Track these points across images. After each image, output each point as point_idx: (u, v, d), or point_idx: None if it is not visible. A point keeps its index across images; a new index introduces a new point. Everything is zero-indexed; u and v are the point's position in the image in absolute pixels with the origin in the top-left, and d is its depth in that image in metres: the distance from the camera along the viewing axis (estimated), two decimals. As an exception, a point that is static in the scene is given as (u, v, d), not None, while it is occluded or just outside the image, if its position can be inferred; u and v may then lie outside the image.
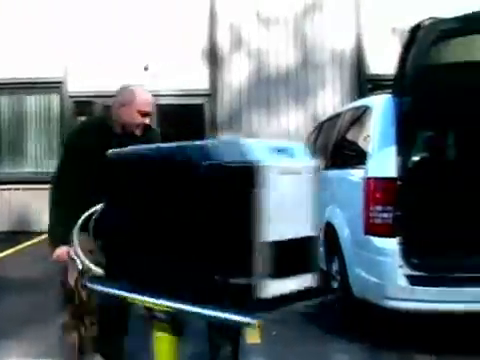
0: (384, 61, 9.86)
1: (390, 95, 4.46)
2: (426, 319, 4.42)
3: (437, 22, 3.68)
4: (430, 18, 3.72)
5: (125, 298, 2.41)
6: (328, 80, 10.08)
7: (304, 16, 10.15)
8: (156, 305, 2.26)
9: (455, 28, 3.66)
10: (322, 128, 6.74)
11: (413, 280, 4.02)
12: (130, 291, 2.36)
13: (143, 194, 2.32)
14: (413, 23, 4.14)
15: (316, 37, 10.13)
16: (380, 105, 4.56)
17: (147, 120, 3.28)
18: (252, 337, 3.45)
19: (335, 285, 4.98)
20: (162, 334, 2.37)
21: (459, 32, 4.08)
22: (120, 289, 2.40)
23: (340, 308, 4.86)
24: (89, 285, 2.63)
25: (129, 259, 2.38)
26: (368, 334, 4.52)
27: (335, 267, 4.99)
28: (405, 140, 4.22)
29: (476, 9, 3.95)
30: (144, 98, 3.25)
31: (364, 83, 9.97)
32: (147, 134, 3.31)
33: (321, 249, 5.46)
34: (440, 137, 6.19)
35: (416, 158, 5.45)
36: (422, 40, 3.82)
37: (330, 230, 5.03)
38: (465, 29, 3.94)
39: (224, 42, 10.33)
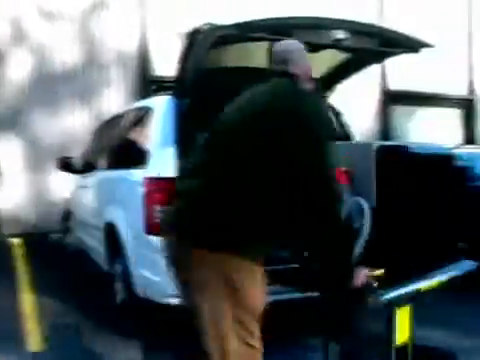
0: (169, 63, 10.04)
1: (171, 97, 4.54)
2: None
3: (214, 28, 3.82)
4: (207, 23, 3.85)
5: None
6: (113, 80, 9.97)
7: (90, 14, 9.92)
8: None
9: (232, 35, 3.83)
10: (104, 128, 6.66)
11: None
12: None
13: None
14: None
15: (102, 36, 9.96)
16: (161, 106, 4.61)
17: None
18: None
19: (119, 286, 4.94)
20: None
21: (236, 38, 4.28)
22: None
23: (123, 307, 4.85)
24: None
25: None
26: (152, 332, 4.58)
27: (118, 268, 4.95)
28: (184, 141, 4.31)
29: (255, 16, 4.17)
30: None
31: (149, 84, 10.04)
32: None
33: (103, 250, 5.41)
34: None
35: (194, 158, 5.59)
36: (200, 44, 3.94)
37: (111, 230, 4.98)
38: (241, 36, 4.14)
39: (4, 37, 9.69)
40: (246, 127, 2.38)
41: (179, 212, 2.47)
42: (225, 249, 2.28)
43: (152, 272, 4.26)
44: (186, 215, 2.41)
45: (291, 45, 2.67)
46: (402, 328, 2.54)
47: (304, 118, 2.27)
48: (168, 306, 4.18)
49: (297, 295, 4.08)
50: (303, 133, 2.24)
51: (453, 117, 12.69)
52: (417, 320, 3.05)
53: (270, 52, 2.70)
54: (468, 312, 5.30)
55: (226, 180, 2.32)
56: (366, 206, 4.67)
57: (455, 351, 3.16)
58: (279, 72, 2.56)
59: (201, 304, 2.35)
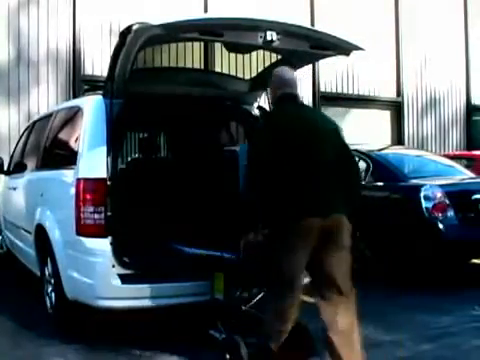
0: (100, 62, 9.91)
1: (101, 96, 4.48)
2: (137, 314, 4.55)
3: (145, 27, 3.80)
4: (139, 23, 3.82)
5: None
6: (43, 78, 9.73)
7: (19, 10, 9.65)
8: None
9: (162, 34, 3.81)
10: (34, 127, 6.50)
11: (125, 279, 4.10)
12: None
13: None
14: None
15: (31, 33, 9.71)
16: (91, 106, 4.54)
17: None
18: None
19: (49, 288, 4.85)
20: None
21: (167, 38, 4.27)
22: None
23: (54, 311, 4.78)
24: None
25: None
26: (84, 335, 4.54)
27: (48, 270, 4.85)
28: (115, 141, 4.27)
29: (187, 15, 4.17)
30: None
31: (79, 83, 9.85)
32: None
33: (33, 253, 5.28)
34: (150, 138, 6.44)
35: (127, 157, 5.58)
36: (131, 44, 3.91)
37: (41, 232, 4.87)
38: (172, 36, 4.13)
39: None
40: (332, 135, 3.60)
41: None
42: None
43: (84, 274, 4.19)
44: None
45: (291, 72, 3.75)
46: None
47: None
48: (100, 308, 4.15)
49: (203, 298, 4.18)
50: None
51: (382, 118, 13.05)
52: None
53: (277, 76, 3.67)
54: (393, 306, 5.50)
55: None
56: None
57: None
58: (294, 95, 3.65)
59: None
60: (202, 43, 5.81)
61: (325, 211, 3.37)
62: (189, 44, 4.64)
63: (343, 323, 3.48)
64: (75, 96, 9.52)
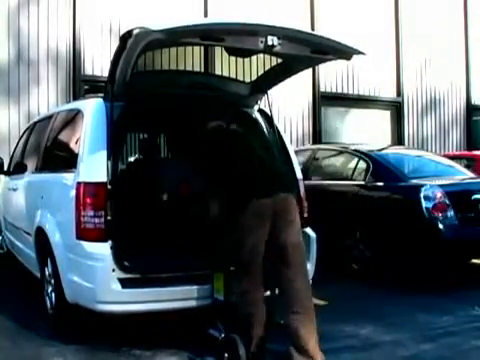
0: (101, 62, 9.91)
1: (101, 99, 4.49)
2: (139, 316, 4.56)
3: (146, 32, 3.80)
4: (140, 27, 3.82)
5: None
6: (43, 78, 9.73)
7: (19, 10, 9.65)
8: None
9: (163, 39, 3.82)
10: (34, 129, 6.50)
11: (125, 283, 4.10)
12: None
13: None
14: (130, 25, 4.22)
15: (31, 33, 9.71)
16: (91, 109, 4.53)
17: None
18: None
19: (49, 289, 4.85)
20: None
21: (167, 43, 4.28)
22: None
23: (54, 313, 4.77)
24: None
25: None
26: (84, 335, 4.55)
27: (48, 271, 4.85)
28: (116, 144, 4.28)
29: (187, 19, 4.18)
30: None
31: (80, 83, 9.85)
32: None
33: (33, 255, 5.30)
34: (151, 140, 6.44)
35: (127, 161, 5.58)
36: (131, 48, 3.92)
37: (41, 235, 4.87)
38: (173, 40, 4.14)
39: None
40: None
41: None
42: None
43: (84, 278, 4.20)
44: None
45: None
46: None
47: None
48: (99, 313, 4.16)
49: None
50: None
51: (382, 118, 13.05)
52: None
53: None
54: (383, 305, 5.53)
55: None
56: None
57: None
58: None
59: None
60: (202, 46, 5.80)
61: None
62: (189, 47, 4.64)
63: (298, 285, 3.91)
64: (75, 96, 9.53)
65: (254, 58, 4.78)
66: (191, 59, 7.19)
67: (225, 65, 5.26)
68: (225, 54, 4.57)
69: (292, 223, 3.98)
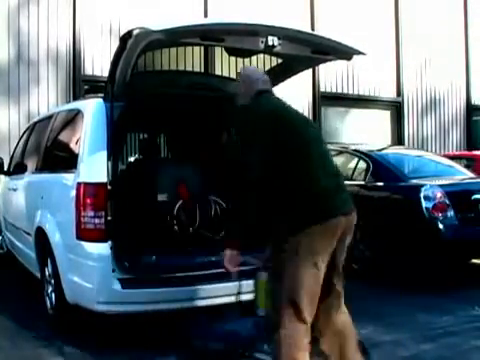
0: (101, 62, 9.90)
1: (101, 99, 4.48)
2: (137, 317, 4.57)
3: (146, 32, 3.80)
4: (140, 28, 3.83)
5: None
6: (43, 78, 9.73)
7: (19, 10, 9.65)
8: None
9: (163, 39, 3.82)
10: (34, 129, 6.51)
11: (126, 283, 4.10)
12: None
13: None
14: (130, 25, 4.22)
15: (31, 32, 9.71)
16: (91, 109, 4.53)
17: None
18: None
19: (49, 289, 4.85)
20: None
21: (167, 43, 4.28)
22: None
23: (54, 313, 4.78)
24: None
25: None
26: (84, 335, 4.56)
27: (48, 271, 4.86)
28: (116, 145, 4.28)
29: (187, 19, 4.18)
30: None
31: (80, 83, 9.85)
32: None
33: (33, 255, 5.30)
34: (151, 141, 6.44)
35: (127, 161, 5.58)
36: (131, 49, 3.92)
37: (41, 235, 4.88)
38: (173, 41, 4.14)
39: None
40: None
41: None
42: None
43: (84, 279, 4.20)
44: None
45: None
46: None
47: None
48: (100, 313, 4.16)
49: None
50: None
51: (382, 118, 13.05)
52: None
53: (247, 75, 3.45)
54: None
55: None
56: None
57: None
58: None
59: None
60: (202, 46, 5.81)
61: (346, 208, 3.25)
62: (189, 47, 4.64)
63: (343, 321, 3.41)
64: (75, 96, 9.53)
65: (254, 58, 4.78)
66: (191, 59, 7.22)
67: (225, 65, 5.27)
68: (225, 54, 4.58)
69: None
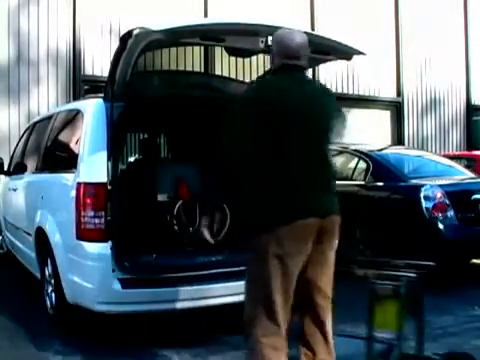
0: (101, 62, 9.90)
1: (101, 100, 4.48)
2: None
3: (146, 32, 3.80)
4: (140, 27, 3.83)
5: None
6: (43, 78, 9.73)
7: (19, 9, 9.65)
8: None
9: (163, 39, 3.82)
10: (34, 129, 6.51)
11: (126, 283, 4.10)
12: None
13: None
14: (130, 25, 4.21)
15: (31, 32, 9.71)
16: (91, 109, 4.53)
17: None
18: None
19: (49, 289, 4.85)
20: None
21: (167, 43, 4.27)
22: None
23: (54, 313, 4.78)
24: None
25: None
26: (84, 335, 4.57)
27: (48, 271, 4.86)
28: (116, 145, 4.28)
29: (189, 20, 4.17)
30: None
31: (80, 83, 9.86)
32: None
33: (33, 255, 5.30)
34: (151, 141, 6.44)
35: (128, 161, 5.58)
36: (131, 49, 3.92)
37: (41, 235, 4.87)
38: (173, 40, 4.14)
39: None
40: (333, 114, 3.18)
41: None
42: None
43: (84, 279, 4.20)
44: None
45: (302, 39, 3.11)
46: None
47: None
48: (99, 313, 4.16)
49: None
50: None
51: (382, 118, 13.05)
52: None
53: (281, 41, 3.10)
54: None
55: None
56: None
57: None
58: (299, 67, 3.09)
59: None
60: (202, 46, 5.81)
61: (322, 211, 3.01)
62: (189, 47, 4.64)
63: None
64: (75, 96, 9.53)
65: (254, 58, 4.78)
66: (191, 59, 7.22)
67: (225, 65, 5.27)
68: (225, 54, 4.57)
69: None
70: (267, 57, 4.71)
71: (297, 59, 3.06)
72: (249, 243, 2.99)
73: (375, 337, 3.06)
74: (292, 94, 2.98)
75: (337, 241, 3.13)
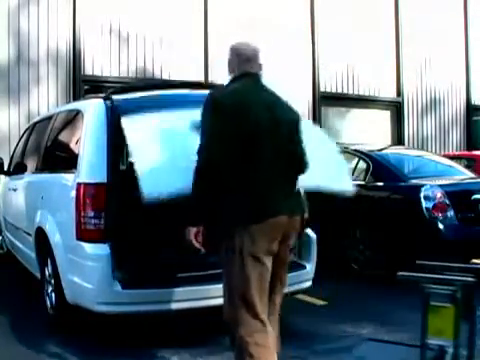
0: (101, 62, 9.91)
1: (102, 100, 4.48)
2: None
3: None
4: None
5: None
6: (43, 78, 9.74)
7: (19, 9, 9.65)
8: None
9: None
10: (34, 129, 6.51)
11: (126, 284, 4.10)
12: None
13: None
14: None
15: (31, 32, 9.72)
16: (91, 109, 4.53)
17: None
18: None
19: (49, 289, 4.85)
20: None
21: None
22: None
23: (54, 313, 4.78)
24: None
25: None
26: (84, 335, 4.57)
27: (48, 271, 4.85)
28: (116, 145, 4.26)
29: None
30: None
31: (80, 83, 9.86)
32: None
33: (33, 255, 5.30)
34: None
35: (127, 161, 5.54)
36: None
37: (41, 235, 4.87)
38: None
39: None
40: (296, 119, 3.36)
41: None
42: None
43: (84, 279, 4.19)
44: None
45: (256, 48, 3.38)
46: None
47: None
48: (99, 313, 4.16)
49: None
50: None
51: (382, 118, 13.05)
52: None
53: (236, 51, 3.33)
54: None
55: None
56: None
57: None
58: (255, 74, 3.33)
59: None
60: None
61: (290, 210, 3.22)
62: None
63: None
64: (75, 96, 9.53)
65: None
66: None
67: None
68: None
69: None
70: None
71: (256, 66, 3.32)
72: (223, 244, 3.13)
73: (428, 345, 2.86)
74: (260, 103, 3.16)
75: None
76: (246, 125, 3.08)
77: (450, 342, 2.76)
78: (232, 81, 3.32)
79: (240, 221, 3.07)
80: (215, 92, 3.27)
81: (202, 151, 3.06)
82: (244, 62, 3.28)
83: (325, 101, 11.95)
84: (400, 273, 3.08)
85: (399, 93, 12.95)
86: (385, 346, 4.30)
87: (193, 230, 3.15)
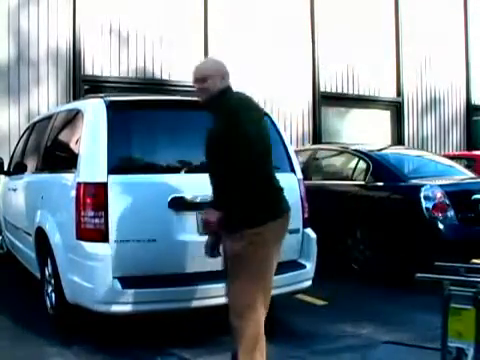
0: (101, 62, 9.91)
1: (102, 99, 4.48)
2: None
3: None
4: None
5: None
6: (43, 78, 9.74)
7: (19, 9, 9.66)
8: None
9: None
10: (34, 129, 6.50)
11: (126, 283, 4.10)
12: None
13: None
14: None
15: (31, 32, 9.72)
16: (91, 109, 4.53)
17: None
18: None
19: (49, 289, 4.86)
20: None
21: None
22: None
23: (54, 313, 4.78)
24: None
25: None
26: (84, 335, 4.57)
27: (48, 271, 4.85)
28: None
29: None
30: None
31: (80, 83, 9.86)
32: None
33: (33, 255, 5.30)
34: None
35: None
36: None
37: (41, 235, 4.87)
38: None
39: None
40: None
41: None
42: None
43: (84, 279, 4.19)
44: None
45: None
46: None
47: None
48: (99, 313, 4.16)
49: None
50: None
51: (382, 118, 13.05)
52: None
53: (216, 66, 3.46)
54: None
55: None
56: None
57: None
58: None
59: None
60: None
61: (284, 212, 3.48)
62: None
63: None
64: (75, 96, 9.53)
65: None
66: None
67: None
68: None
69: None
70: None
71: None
72: (235, 247, 3.28)
73: (449, 348, 2.84)
74: (255, 122, 3.29)
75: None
76: (248, 146, 3.17)
77: (471, 345, 2.73)
78: (220, 96, 3.35)
79: (254, 224, 3.26)
80: (223, 105, 3.33)
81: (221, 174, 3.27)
82: (223, 76, 3.39)
83: (325, 101, 11.96)
84: (419, 274, 3.04)
85: (399, 93, 12.96)
86: (401, 349, 4.29)
87: (215, 213, 3.27)
